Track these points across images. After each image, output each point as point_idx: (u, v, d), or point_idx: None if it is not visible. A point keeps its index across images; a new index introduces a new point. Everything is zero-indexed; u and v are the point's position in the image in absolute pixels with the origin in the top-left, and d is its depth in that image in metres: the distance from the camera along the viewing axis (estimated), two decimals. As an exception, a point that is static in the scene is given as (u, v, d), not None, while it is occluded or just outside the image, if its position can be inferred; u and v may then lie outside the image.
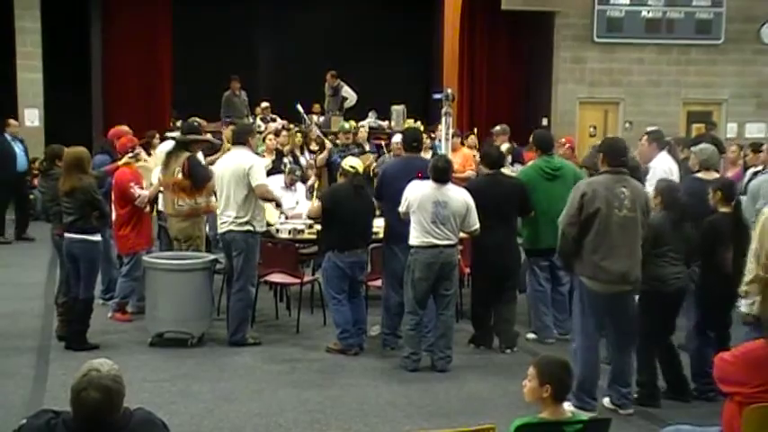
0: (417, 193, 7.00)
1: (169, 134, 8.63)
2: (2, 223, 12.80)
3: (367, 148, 13.48)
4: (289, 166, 11.41)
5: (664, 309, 6.30)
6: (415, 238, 7.00)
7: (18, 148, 12.84)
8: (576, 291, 6.31)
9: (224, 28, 18.41)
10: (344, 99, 15.91)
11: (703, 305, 6.40)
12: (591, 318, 6.15)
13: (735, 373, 4.39)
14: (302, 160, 12.82)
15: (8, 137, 13.01)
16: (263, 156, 11.88)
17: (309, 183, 11.72)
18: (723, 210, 6.41)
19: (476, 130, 15.28)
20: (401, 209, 7.06)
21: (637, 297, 6.27)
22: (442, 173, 7.04)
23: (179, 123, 14.27)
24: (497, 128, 12.25)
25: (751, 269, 5.36)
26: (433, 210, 6.92)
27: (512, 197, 7.61)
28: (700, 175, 7.70)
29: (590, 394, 6.11)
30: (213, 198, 8.20)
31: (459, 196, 7.06)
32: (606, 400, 6.25)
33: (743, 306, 5.54)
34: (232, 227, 7.64)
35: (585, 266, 6.07)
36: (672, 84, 17.72)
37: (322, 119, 16.03)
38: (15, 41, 15.83)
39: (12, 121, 13.51)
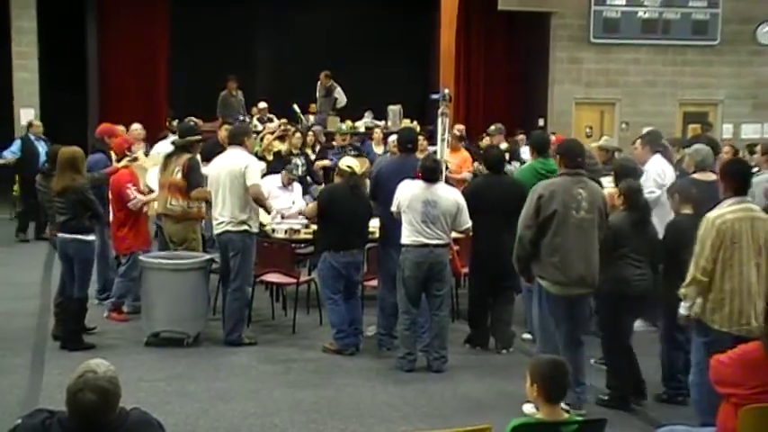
0: (407, 192, 7.03)
1: (169, 138, 8.63)
2: (26, 221, 12.82)
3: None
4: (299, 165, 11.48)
5: (626, 311, 6.23)
6: (406, 237, 7.03)
7: (41, 148, 12.79)
8: (534, 293, 6.25)
9: (222, 28, 18.38)
10: (336, 100, 15.91)
11: (669, 308, 6.23)
12: (550, 319, 6.12)
13: (731, 374, 4.40)
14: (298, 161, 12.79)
15: (32, 137, 13.12)
16: (264, 155, 11.89)
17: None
18: (685, 211, 6.39)
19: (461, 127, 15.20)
20: (392, 208, 7.09)
21: (592, 299, 6.25)
22: (430, 172, 7.05)
23: (175, 123, 14.27)
24: (492, 128, 12.26)
25: (690, 272, 5.36)
26: (423, 209, 6.94)
27: (511, 198, 7.59)
28: (695, 176, 7.72)
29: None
30: (204, 205, 8.24)
31: (449, 195, 7.07)
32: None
33: (682, 308, 5.51)
34: (228, 227, 7.64)
35: (543, 269, 6.03)
36: (668, 84, 17.74)
37: (313, 118, 16.02)
38: (11, 41, 15.80)
39: (35, 122, 13.75)
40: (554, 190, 6.01)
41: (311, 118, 16.01)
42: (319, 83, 16.14)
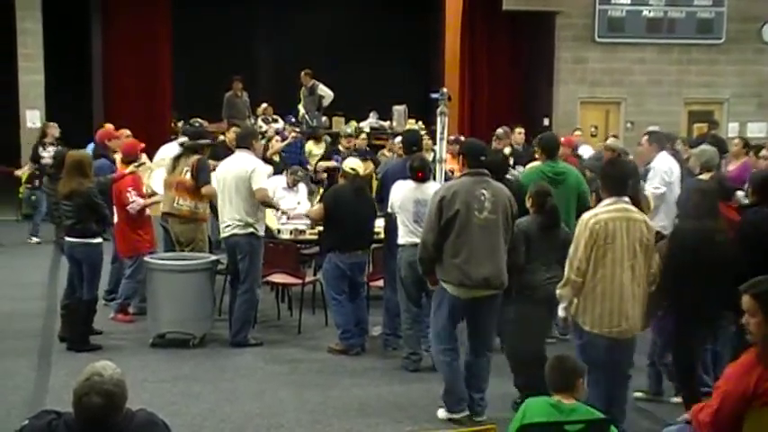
0: (399, 193, 7.07)
1: (178, 140, 8.63)
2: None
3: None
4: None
5: (535, 315, 6.07)
6: (401, 237, 7.07)
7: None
8: (435, 295, 6.16)
9: (224, 29, 18.40)
10: (321, 98, 15.81)
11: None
12: (450, 323, 6.03)
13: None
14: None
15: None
16: (272, 158, 11.91)
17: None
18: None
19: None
20: (388, 209, 7.12)
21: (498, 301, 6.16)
22: (418, 172, 7.06)
23: (180, 124, 14.29)
24: (500, 131, 12.18)
25: (566, 272, 5.31)
26: (414, 209, 6.97)
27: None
28: (701, 177, 7.71)
29: (458, 399, 6.04)
30: (207, 208, 8.27)
31: None
32: (441, 411, 6.12)
33: (560, 309, 5.43)
34: (236, 230, 7.65)
35: (447, 271, 5.91)
36: (673, 83, 17.69)
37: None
38: (17, 43, 15.84)
39: (125, 131, 13.62)
40: (456, 191, 5.91)
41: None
42: (302, 84, 15.99)
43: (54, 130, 12.70)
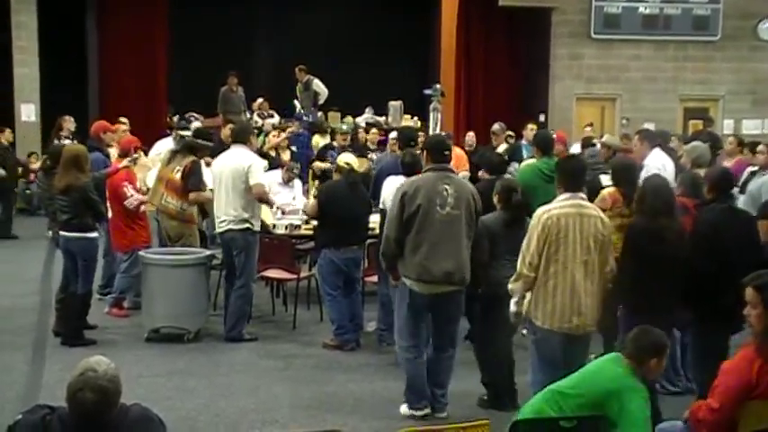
0: (391, 189, 7.04)
1: (181, 132, 8.63)
2: None
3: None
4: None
5: (500, 311, 5.89)
6: None
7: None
8: (398, 291, 6.12)
9: (221, 25, 18.37)
10: (317, 93, 15.80)
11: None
12: (413, 319, 5.99)
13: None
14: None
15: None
16: (268, 153, 11.92)
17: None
18: None
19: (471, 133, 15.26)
20: (380, 206, 7.10)
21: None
22: (408, 167, 7.06)
23: (176, 119, 14.30)
24: (496, 126, 12.18)
25: (518, 267, 5.27)
26: None
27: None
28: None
29: (420, 396, 6.03)
30: (195, 209, 8.26)
31: None
32: (403, 407, 6.11)
33: (511, 304, 5.40)
34: (231, 225, 7.64)
35: (408, 267, 5.87)
36: (669, 80, 17.71)
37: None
38: (12, 36, 15.79)
39: (122, 119, 13.56)
40: (418, 186, 5.87)
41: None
42: (297, 79, 15.97)
43: (70, 123, 12.68)
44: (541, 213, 5.22)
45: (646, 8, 17.40)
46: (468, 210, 5.87)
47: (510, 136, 12.85)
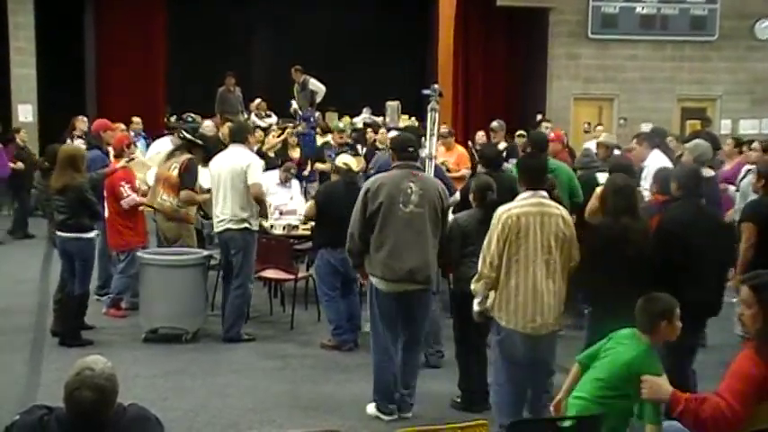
0: None
1: (184, 134, 8.63)
2: None
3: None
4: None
5: (471, 309, 5.88)
6: None
7: (140, 145, 12.70)
8: (367, 289, 6.13)
9: (220, 24, 18.39)
10: (314, 93, 15.79)
11: None
12: (381, 318, 5.97)
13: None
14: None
15: (131, 133, 13.03)
16: (267, 153, 11.94)
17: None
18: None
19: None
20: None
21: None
22: None
23: (173, 119, 14.30)
24: (495, 124, 12.18)
25: (479, 267, 5.24)
26: None
27: (511, 196, 7.56)
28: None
29: (387, 397, 6.02)
30: (193, 210, 8.26)
31: None
32: (371, 407, 6.10)
33: (474, 305, 5.37)
34: (230, 225, 7.64)
35: (372, 265, 5.86)
36: (666, 80, 17.73)
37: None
38: (9, 37, 15.78)
39: (135, 119, 13.72)
40: (381, 183, 5.84)
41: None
42: (294, 80, 15.96)
43: (82, 123, 12.72)
44: (501, 213, 5.17)
45: (643, 8, 17.42)
46: (433, 208, 5.83)
47: (510, 135, 12.85)
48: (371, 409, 6.07)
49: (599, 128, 14.55)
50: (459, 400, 6.25)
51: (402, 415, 6.02)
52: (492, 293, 5.22)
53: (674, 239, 5.55)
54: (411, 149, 6.02)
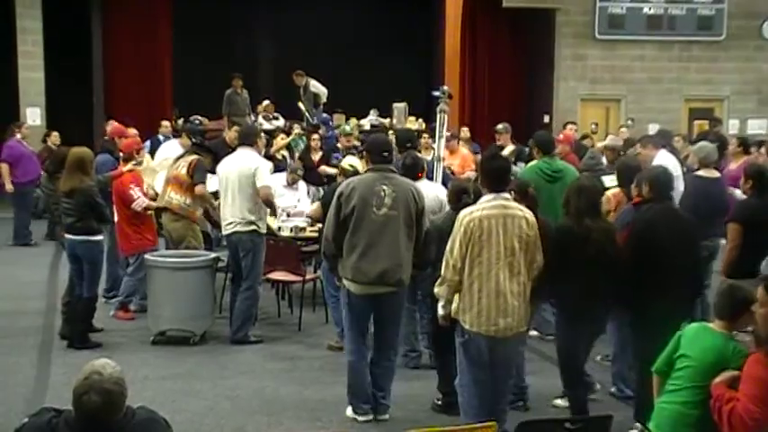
0: None
1: (173, 140, 8.65)
2: None
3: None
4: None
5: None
6: None
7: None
8: (341, 292, 6.12)
9: (225, 28, 18.42)
10: (316, 95, 15.79)
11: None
12: (354, 321, 5.97)
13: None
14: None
15: (161, 137, 13.24)
16: (274, 155, 11.95)
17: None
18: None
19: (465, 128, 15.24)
20: None
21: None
22: (409, 169, 7.06)
23: (181, 122, 14.33)
24: (500, 126, 12.15)
25: (442, 270, 5.22)
26: None
27: (519, 198, 7.54)
28: (700, 172, 7.71)
29: (361, 399, 6.01)
30: (200, 210, 8.29)
31: (431, 193, 7.06)
32: (349, 409, 6.08)
33: (439, 308, 5.37)
34: (238, 227, 7.65)
35: (345, 267, 5.86)
36: (673, 80, 17.68)
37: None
38: (17, 40, 15.84)
39: (164, 122, 13.85)
40: (354, 187, 5.83)
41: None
42: (296, 83, 15.97)
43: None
44: (464, 216, 5.16)
45: (650, 8, 17.38)
46: (407, 210, 5.83)
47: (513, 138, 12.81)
48: (349, 411, 6.07)
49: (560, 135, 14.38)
50: (439, 402, 6.23)
51: (379, 417, 6.02)
52: (457, 297, 5.21)
53: (646, 242, 5.53)
54: (386, 154, 6.02)
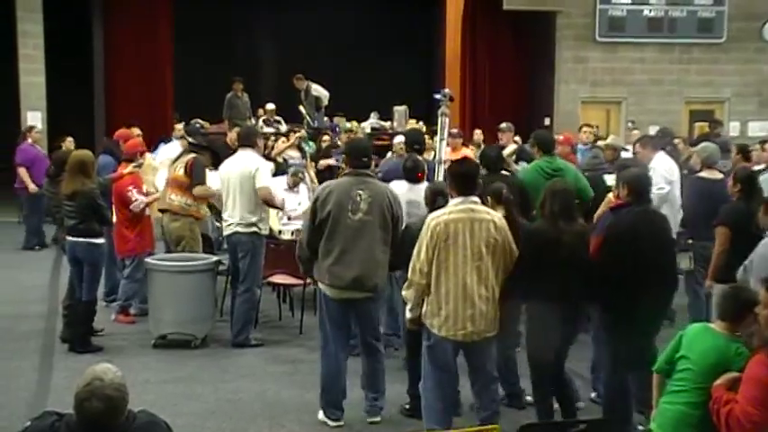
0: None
1: (190, 139, 8.64)
2: None
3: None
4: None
5: None
6: None
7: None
8: (318, 296, 6.10)
9: (226, 29, 18.44)
10: (318, 98, 15.80)
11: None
12: (329, 325, 5.98)
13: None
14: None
15: (174, 140, 13.12)
16: (275, 158, 11.94)
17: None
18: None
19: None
20: None
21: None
22: (409, 172, 7.04)
23: (181, 125, 14.33)
24: (503, 125, 12.14)
25: (409, 274, 5.22)
26: (407, 210, 6.92)
27: (520, 198, 7.54)
28: (703, 174, 7.72)
29: (330, 402, 6.01)
30: (205, 208, 8.29)
31: None
32: (321, 414, 6.08)
33: (407, 312, 5.36)
34: (238, 228, 7.66)
35: (320, 272, 5.88)
36: (674, 83, 17.69)
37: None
38: (17, 44, 15.85)
39: (177, 126, 13.82)
40: (330, 191, 5.83)
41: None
42: (296, 88, 15.98)
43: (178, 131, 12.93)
44: (430, 220, 5.16)
45: (650, 11, 17.39)
46: (382, 215, 5.82)
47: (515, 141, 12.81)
48: (320, 415, 6.06)
49: (592, 128, 14.36)
50: (407, 406, 6.20)
51: (369, 419, 6.02)
52: (426, 300, 5.21)
53: (624, 245, 5.51)
54: (365, 159, 6.02)
